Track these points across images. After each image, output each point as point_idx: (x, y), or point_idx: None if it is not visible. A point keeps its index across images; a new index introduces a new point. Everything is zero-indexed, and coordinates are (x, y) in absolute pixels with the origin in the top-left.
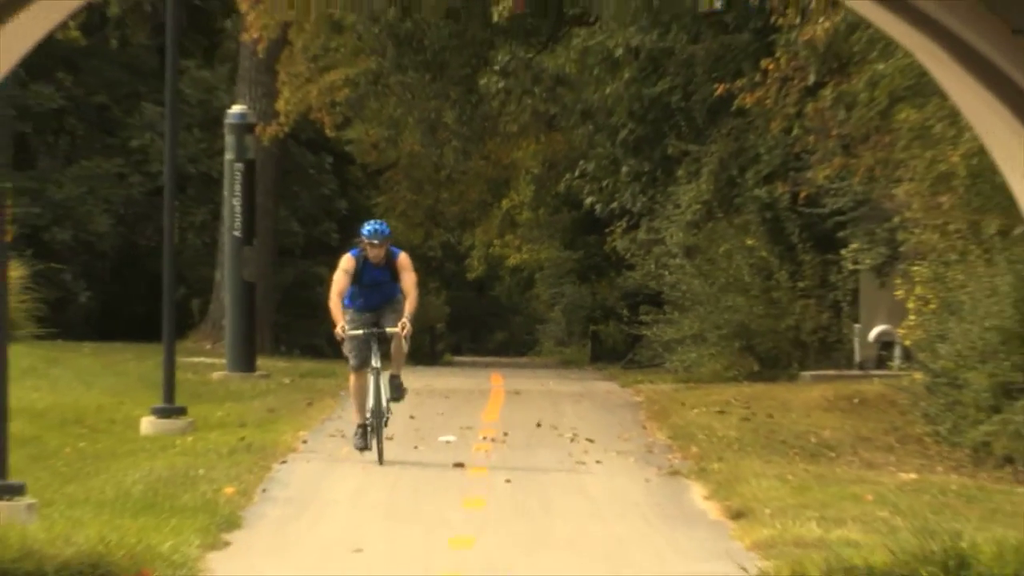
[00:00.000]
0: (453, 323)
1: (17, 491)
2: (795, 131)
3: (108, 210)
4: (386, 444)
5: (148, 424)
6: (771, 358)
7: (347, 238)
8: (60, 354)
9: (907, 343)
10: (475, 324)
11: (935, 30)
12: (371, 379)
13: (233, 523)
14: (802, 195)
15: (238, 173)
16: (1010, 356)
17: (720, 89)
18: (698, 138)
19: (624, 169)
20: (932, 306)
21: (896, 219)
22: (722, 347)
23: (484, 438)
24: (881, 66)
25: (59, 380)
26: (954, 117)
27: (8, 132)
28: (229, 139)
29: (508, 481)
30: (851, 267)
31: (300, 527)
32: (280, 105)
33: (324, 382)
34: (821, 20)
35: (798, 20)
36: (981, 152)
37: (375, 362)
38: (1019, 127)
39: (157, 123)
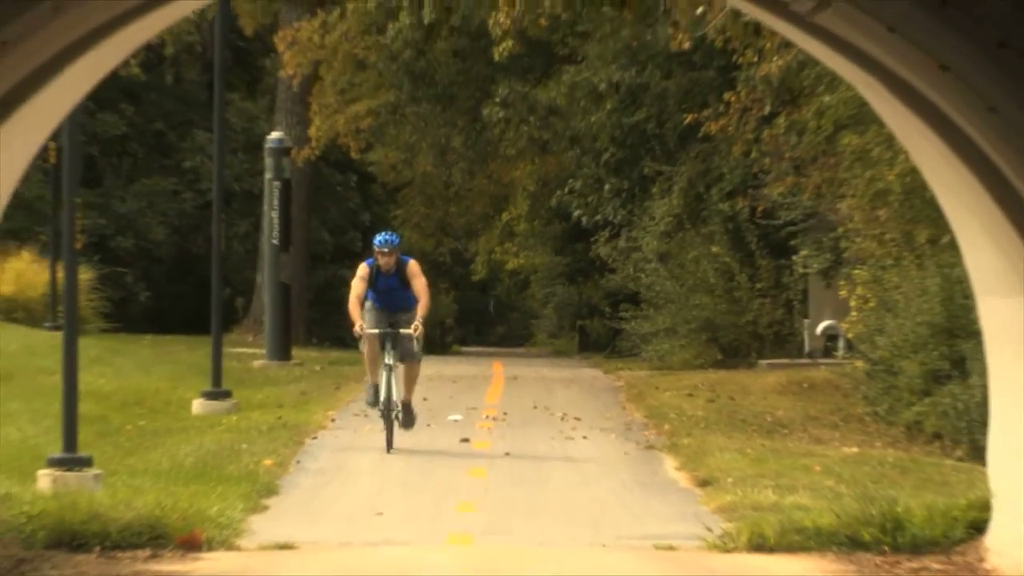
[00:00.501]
0: (461, 316)
1: (85, 463)
2: (753, 154)
3: (164, 222)
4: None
5: (198, 405)
6: (733, 348)
7: (369, 245)
8: (123, 345)
9: (849, 336)
10: (478, 319)
11: (874, 66)
12: (384, 374)
13: (271, 490)
14: (759, 209)
15: (276, 190)
16: (938, 347)
17: (689, 118)
18: (670, 160)
19: (607, 187)
20: (871, 304)
21: (840, 230)
22: (691, 339)
23: (487, 417)
24: (827, 98)
25: (122, 367)
26: (890, 142)
27: (79, 155)
28: (268, 161)
29: (507, 454)
30: (801, 270)
31: (329, 494)
32: (312, 132)
33: (350, 369)
34: (775, 59)
35: (756, 59)
36: (913, 172)
37: (389, 360)
38: (946, 150)
39: (206, 147)
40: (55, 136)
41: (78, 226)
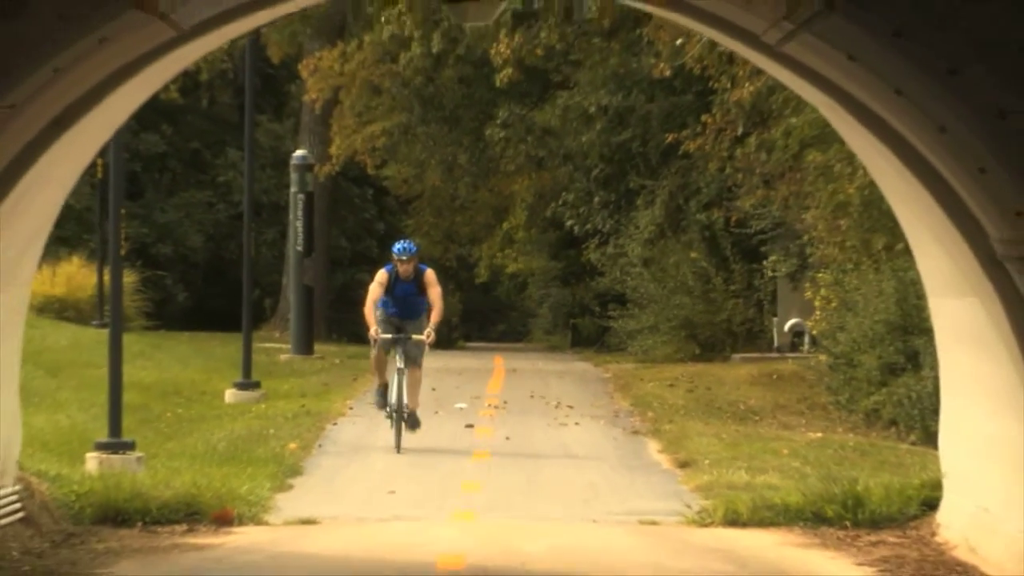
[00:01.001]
0: (465, 315)
1: (129, 447)
2: (727, 170)
3: (200, 230)
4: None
5: (230, 395)
6: (709, 344)
7: (384, 251)
8: (162, 341)
9: (814, 332)
10: (482, 318)
11: (835, 91)
12: (394, 378)
13: (296, 471)
14: (733, 219)
15: (300, 202)
16: (893, 343)
17: (670, 138)
18: (653, 175)
19: (596, 199)
20: (833, 304)
21: (805, 237)
22: (671, 335)
23: (489, 405)
24: (793, 119)
25: (162, 361)
26: (850, 158)
27: (123, 170)
28: (293, 176)
29: (507, 438)
30: (771, 274)
31: (347, 474)
32: (332, 150)
33: (366, 362)
34: (747, 84)
35: (729, 84)
36: (871, 185)
37: (400, 363)
38: (900, 165)
39: (238, 163)
40: (102, 153)
41: (123, 234)
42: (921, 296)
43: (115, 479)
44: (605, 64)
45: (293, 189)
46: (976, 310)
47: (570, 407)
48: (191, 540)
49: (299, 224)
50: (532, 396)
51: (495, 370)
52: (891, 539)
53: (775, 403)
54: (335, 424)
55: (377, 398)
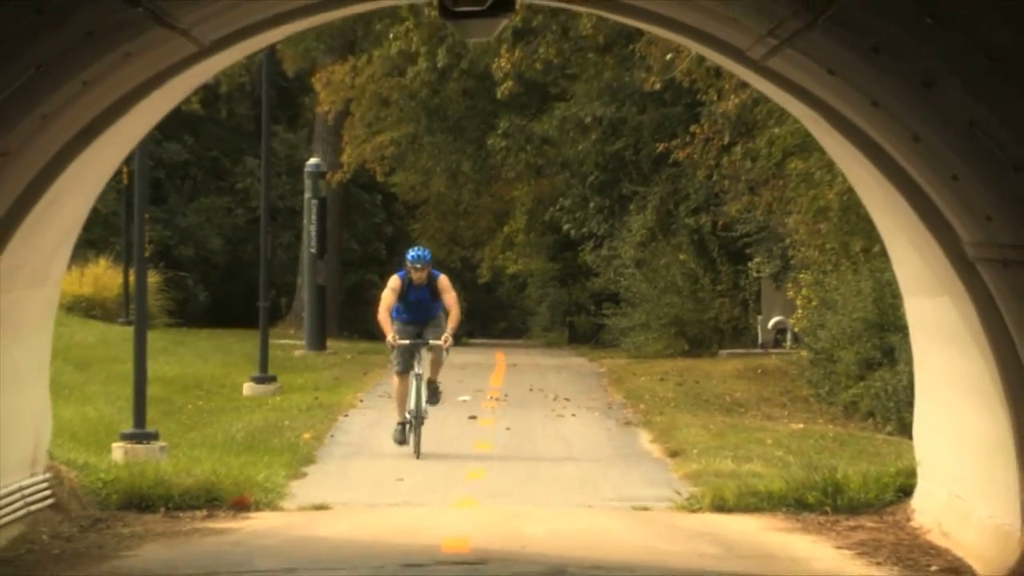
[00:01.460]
0: (469, 313)
1: (152, 437)
2: (715, 177)
3: (219, 234)
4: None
5: (248, 388)
6: (697, 340)
7: (392, 254)
8: (184, 338)
9: (796, 329)
10: (484, 316)
11: (816, 103)
12: (412, 383)
13: (309, 460)
14: (720, 223)
15: (313, 207)
16: (871, 339)
17: (660, 147)
18: (644, 182)
19: (591, 204)
20: (814, 303)
21: (787, 240)
22: (662, 332)
23: (491, 398)
24: (776, 130)
25: (183, 356)
26: (830, 166)
27: (147, 177)
28: (307, 182)
29: (508, 429)
30: (755, 275)
31: (358, 463)
32: (344, 158)
33: (375, 357)
34: (733, 97)
35: (716, 97)
36: (850, 191)
37: (418, 368)
38: (877, 173)
39: (255, 171)
40: (128, 161)
41: (147, 237)
42: (896, 295)
43: (139, 467)
44: (600, 78)
45: (307, 195)
46: (948, 309)
47: (567, 400)
48: (211, 525)
49: (312, 228)
50: (531, 389)
51: (496, 365)
52: (868, 524)
53: (759, 396)
54: (346, 416)
55: (397, 433)
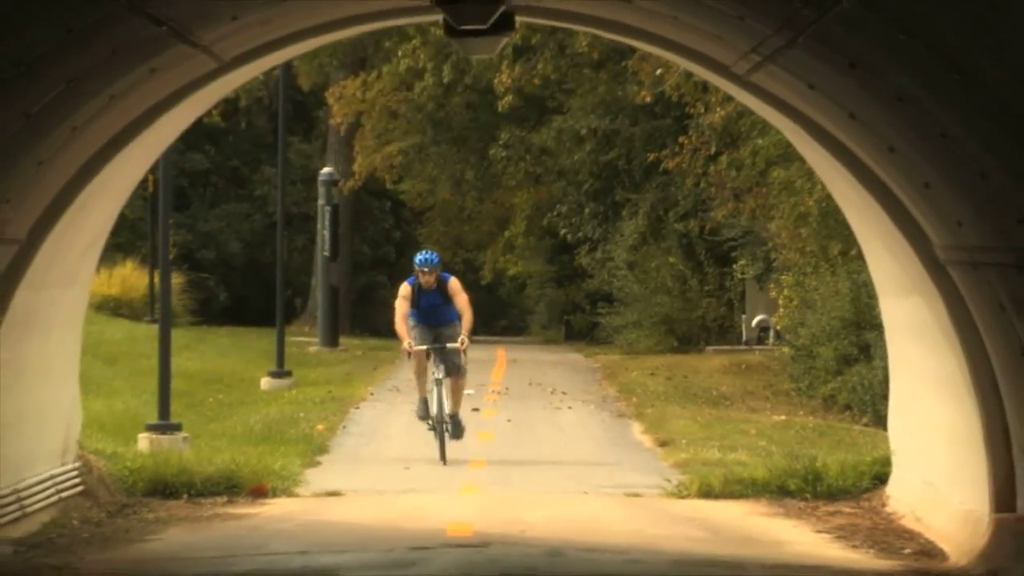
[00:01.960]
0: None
1: (176, 428)
2: (702, 185)
3: (239, 238)
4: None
5: (265, 382)
6: (686, 337)
7: (401, 257)
8: (205, 335)
9: (778, 327)
10: (486, 314)
11: (797, 115)
12: (433, 389)
13: (323, 449)
14: (707, 228)
15: (327, 213)
16: (848, 336)
17: (651, 157)
18: (636, 189)
19: (586, 210)
20: (795, 303)
21: (770, 244)
22: (652, 330)
23: (492, 391)
24: (760, 141)
25: (205, 353)
26: (810, 174)
27: (171, 185)
28: (320, 190)
29: (509, 421)
30: (740, 276)
31: (368, 451)
32: (355, 167)
33: (385, 353)
34: (719, 109)
35: (703, 110)
36: (828, 198)
37: (438, 374)
38: (854, 181)
39: (272, 179)
40: (153, 169)
41: (171, 241)
42: (872, 296)
43: (164, 456)
44: (594, 92)
45: (320, 202)
46: (921, 308)
47: (564, 393)
48: (231, 510)
49: (326, 232)
50: (530, 383)
51: (498, 361)
52: (846, 509)
53: (744, 390)
54: (358, 408)
55: (419, 408)
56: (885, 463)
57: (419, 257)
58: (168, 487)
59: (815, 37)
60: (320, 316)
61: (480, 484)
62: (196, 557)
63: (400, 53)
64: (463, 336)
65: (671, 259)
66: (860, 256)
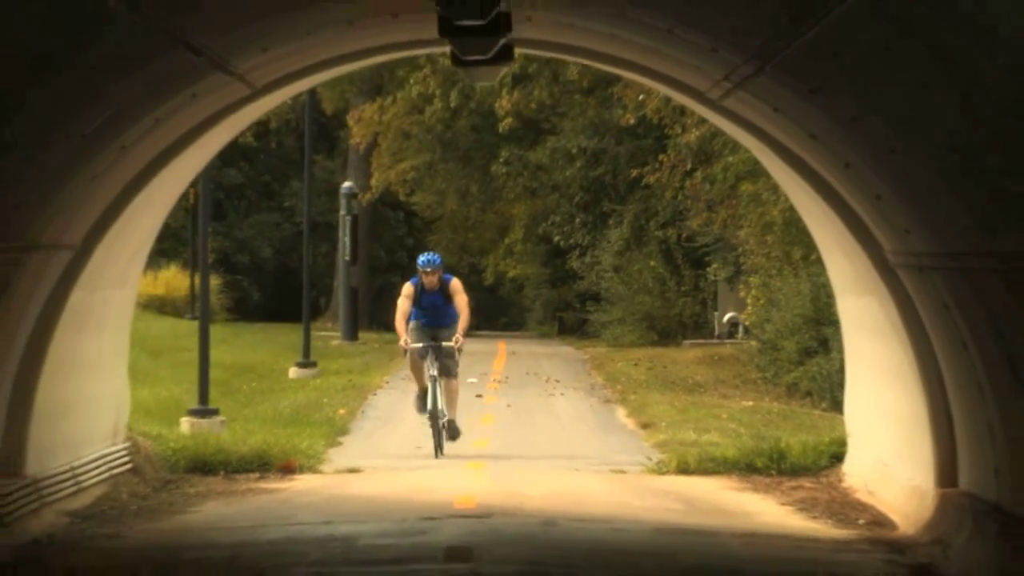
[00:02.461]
0: (476, 310)
1: (214, 412)
2: (679, 197)
3: (270, 244)
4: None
5: (293, 372)
6: (665, 332)
7: (413, 260)
8: (240, 330)
9: (746, 323)
10: (488, 312)
11: (763, 135)
12: (429, 386)
13: (344, 431)
14: (683, 235)
15: (347, 222)
16: (808, 331)
17: (634, 172)
18: (621, 201)
19: (577, 220)
20: (761, 301)
21: (739, 250)
22: (635, 326)
23: (494, 380)
24: (731, 158)
25: (239, 346)
26: (775, 188)
27: (210, 197)
28: (342, 202)
29: (508, 406)
30: (712, 278)
31: (384, 433)
32: (372, 181)
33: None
34: (694, 130)
35: (680, 131)
36: (791, 209)
37: (433, 371)
38: (814, 193)
39: (299, 192)
40: (193, 184)
41: (209, 247)
42: (830, 295)
43: (203, 438)
44: (584, 115)
45: (342, 212)
46: (873, 306)
47: (557, 381)
48: (262, 485)
49: (346, 239)
50: (528, 373)
51: (499, 353)
52: (807, 484)
53: (716, 378)
54: (375, 395)
55: (417, 403)
56: (841, 443)
57: (422, 259)
58: (207, 465)
59: (779, 67)
60: (341, 313)
61: (483, 461)
62: (232, 527)
63: (412, 81)
64: (457, 335)
65: (652, 263)
66: (819, 260)
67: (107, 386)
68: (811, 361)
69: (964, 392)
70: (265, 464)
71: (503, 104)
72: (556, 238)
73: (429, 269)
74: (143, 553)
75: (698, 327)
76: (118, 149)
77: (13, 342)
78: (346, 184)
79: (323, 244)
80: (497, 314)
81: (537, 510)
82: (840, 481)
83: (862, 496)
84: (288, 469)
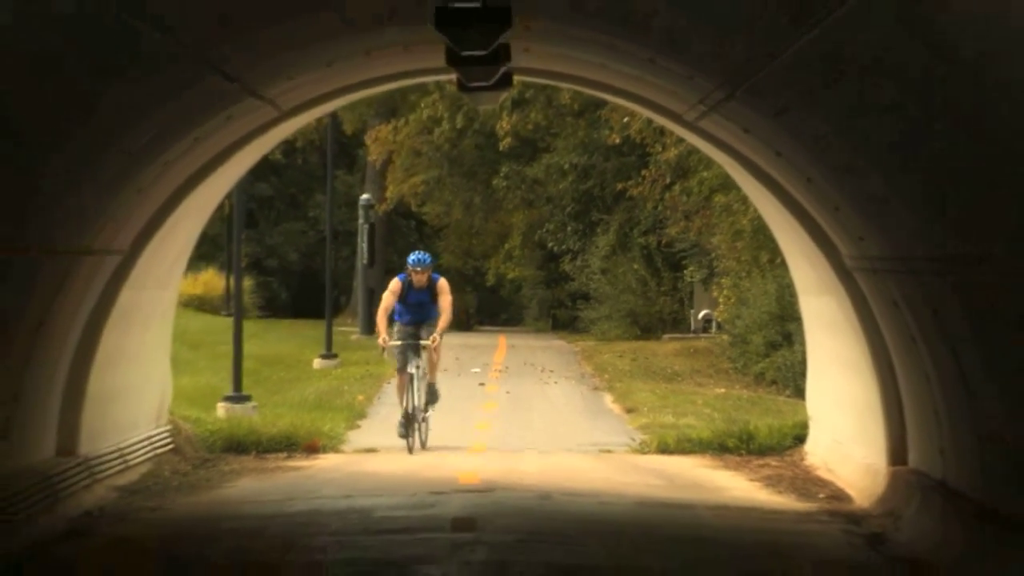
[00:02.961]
0: (479, 307)
1: (246, 399)
2: (659, 208)
3: (296, 250)
4: (440, 373)
5: (317, 363)
6: (647, 328)
7: None
8: (270, 326)
9: (719, 320)
10: (490, 309)
11: (734, 153)
12: (410, 384)
13: (362, 415)
14: (663, 242)
15: (365, 230)
16: (774, 327)
17: (620, 186)
18: (608, 212)
19: (569, 228)
20: (732, 300)
21: (713, 254)
22: (620, 322)
23: (495, 370)
24: (705, 173)
25: (269, 340)
26: (745, 200)
27: (243, 207)
28: (361, 212)
29: (508, 393)
30: (689, 279)
31: (397, 417)
32: (387, 194)
33: None
34: (673, 148)
35: (660, 149)
36: (759, 218)
37: (411, 368)
38: (779, 205)
39: (322, 203)
40: (228, 195)
41: (243, 251)
42: (793, 295)
43: (237, 421)
44: (575, 135)
45: (360, 221)
46: (832, 305)
47: (551, 371)
48: (289, 463)
49: (364, 245)
50: (525, 364)
51: (499, 346)
52: (773, 463)
53: (692, 368)
54: (389, 383)
55: (400, 428)
56: (803, 426)
57: (412, 257)
58: (240, 445)
59: (749, 91)
60: (360, 311)
61: (485, 442)
62: (263, 500)
63: (423, 105)
64: (435, 335)
65: (635, 266)
66: (784, 264)
67: (151, 375)
68: (776, 353)
69: (913, 382)
70: (292, 444)
71: (503, 125)
72: (550, 244)
73: (419, 268)
74: (183, 523)
75: (676, 323)
76: (161, 165)
77: (68, 337)
78: (364, 196)
79: (344, 249)
80: (498, 311)
81: (534, 485)
82: (802, 460)
83: (822, 473)
84: (312, 449)
